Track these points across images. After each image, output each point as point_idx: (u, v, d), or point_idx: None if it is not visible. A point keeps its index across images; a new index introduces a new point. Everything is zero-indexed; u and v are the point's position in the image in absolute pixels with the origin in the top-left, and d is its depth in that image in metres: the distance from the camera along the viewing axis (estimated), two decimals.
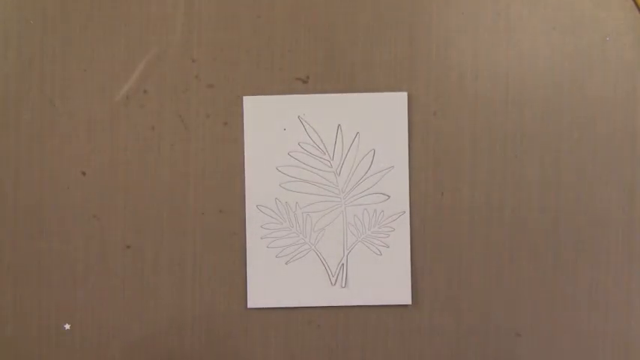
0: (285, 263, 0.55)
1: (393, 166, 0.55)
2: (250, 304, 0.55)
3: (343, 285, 0.55)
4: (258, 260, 0.55)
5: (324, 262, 0.55)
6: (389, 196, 0.55)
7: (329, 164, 0.55)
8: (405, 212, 0.55)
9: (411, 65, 0.55)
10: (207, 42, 0.56)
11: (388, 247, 0.55)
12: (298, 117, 0.55)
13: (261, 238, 0.55)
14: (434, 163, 0.55)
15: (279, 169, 0.55)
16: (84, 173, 0.56)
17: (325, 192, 0.55)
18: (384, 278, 0.55)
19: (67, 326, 0.56)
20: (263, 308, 0.55)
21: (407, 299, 0.55)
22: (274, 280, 0.55)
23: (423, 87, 0.55)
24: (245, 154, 0.55)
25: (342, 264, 0.55)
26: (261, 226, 0.55)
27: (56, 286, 0.56)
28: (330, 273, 0.55)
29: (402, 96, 0.55)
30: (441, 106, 0.55)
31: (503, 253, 0.55)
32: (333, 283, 0.55)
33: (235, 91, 0.56)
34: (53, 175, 0.56)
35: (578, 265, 0.55)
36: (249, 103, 0.56)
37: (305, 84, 0.56)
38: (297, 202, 0.55)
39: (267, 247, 0.55)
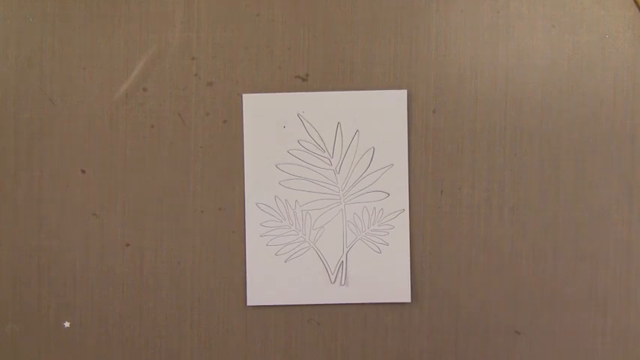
0: (285, 261, 0.55)
1: (392, 164, 0.55)
2: (250, 302, 0.55)
3: (343, 283, 0.55)
4: (258, 258, 0.55)
5: (323, 260, 0.55)
6: (388, 194, 0.55)
7: (328, 162, 0.55)
8: (404, 210, 0.55)
9: (411, 63, 0.55)
10: (206, 40, 0.56)
11: (388, 244, 0.55)
12: (298, 115, 0.55)
13: (261, 236, 0.55)
14: (433, 161, 0.55)
15: (279, 166, 0.55)
16: (83, 171, 0.56)
17: (325, 190, 0.55)
18: (383, 276, 0.55)
19: (67, 324, 0.56)
20: (262, 306, 0.55)
21: (406, 297, 0.55)
22: (274, 278, 0.55)
23: (423, 85, 0.55)
24: (244, 151, 0.55)
25: (342, 262, 0.55)
26: (261, 224, 0.55)
27: (56, 284, 0.56)
28: (329, 271, 0.55)
29: (402, 94, 0.55)
30: (441, 104, 0.55)
31: (502, 251, 0.55)
32: (333, 281, 0.55)
33: (235, 89, 0.56)
34: (53, 174, 0.56)
35: (577, 263, 0.55)
36: (249, 100, 0.56)
37: (304, 82, 0.56)
38: (296, 200, 0.55)
39: (267, 245, 0.55)
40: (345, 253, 0.55)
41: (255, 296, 0.55)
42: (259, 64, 0.56)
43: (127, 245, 0.56)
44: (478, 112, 0.55)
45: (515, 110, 0.55)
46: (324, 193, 0.55)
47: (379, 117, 0.55)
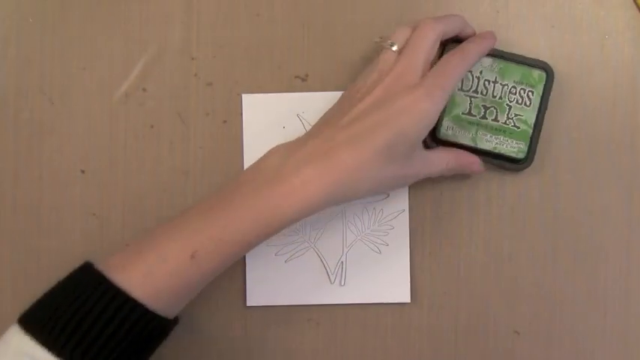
0: (285, 261, 0.55)
1: None
2: (249, 302, 0.55)
3: (342, 283, 0.55)
4: (257, 258, 0.55)
5: (323, 261, 0.55)
6: (388, 195, 0.55)
7: None
8: (404, 210, 0.55)
9: None
10: (206, 40, 0.56)
11: (387, 245, 0.55)
12: (297, 115, 0.55)
13: None
14: None
15: None
16: (83, 171, 0.56)
17: None
18: (383, 276, 0.55)
19: None
20: (262, 306, 0.55)
21: (406, 297, 0.55)
22: (273, 278, 0.55)
23: None
24: (244, 152, 0.55)
25: (342, 262, 0.55)
26: None
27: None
28: (329, 271, 0.55)
29: None
30: None
31: (502, 251, 0.55)
32: (332, 281, 0.55)
33: (234, 89, 0.56)
34: (52, 174, 0.56)
35: (577, 263, 0.55)
36: (248, 101, 0.56)
37: (304, 82, 0.56)
38: None
39: (267, 245, 0.55)
40: (344, 254, 0.55)
41: (255, 296, 0.55)
42: (259, 64, 0.56)
43: (127, 245, 0.56)
44: None
45: None
46: None
47: None
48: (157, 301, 0.45)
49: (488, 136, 0.53)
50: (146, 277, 0.45)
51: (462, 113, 0.53)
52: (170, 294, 0.46)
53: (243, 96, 0.56)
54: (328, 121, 0.49)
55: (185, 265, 0.45)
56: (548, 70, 0.53)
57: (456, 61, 0.49)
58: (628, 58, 0.55)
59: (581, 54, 0.55)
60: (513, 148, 0.53)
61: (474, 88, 0.53)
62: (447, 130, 0.53)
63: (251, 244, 0.47)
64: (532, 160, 0.53)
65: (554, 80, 0.53)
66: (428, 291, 0.55)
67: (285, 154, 0.48)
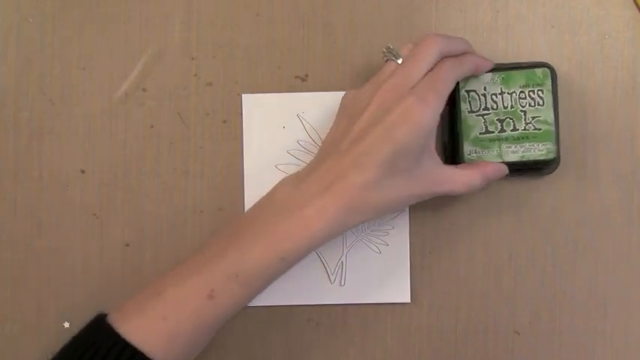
0: None
1: None
2: (249, 302, 0.55)
3: (342, 283, 0.55)
4: None
5: (323, 261, 0.55)
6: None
7: None
8: (404, 210, 0.55)
9: None
10: (206, 40, 0.56)
11: (387, 245, 0.55)
12: (297, 115, 0.55)
13: None
14: None
15: (278, 167, 0.55)
16: (83, 171, 0.56)
17: None
18: (383, 276, 0.55)
19: (67, 324, 0.56)
20: (262, 306, 0.55)
21: (406, 298, 0.55)
22: None
23: None
24: (244, 151, 0.55)
25: (341, 262, 0.55)
26: None
27: (55, 285, 0.56)
28: (329, 271, 0.55)
29: None
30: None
31: (502, 251, 0.55)
32: (332, 281, 0.55)
33: (234, 89, 0.56)
34: (52, 174, 0.56)
35: (577, 263, 0.55)
36: (249, 101, 0.56)
37: (304, 82, 0.56)
38: None
39: None
40: (344, 254, 0.55)
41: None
42: (259, 64, 0.56)
43: (127, 245, 0.56)
44: None
45: None
46: None
47: None
48: (170, 349, 0.45)
49: (513, 147, 0.52)
50: (164, 322, 0.45)
51: (480, 133, 0.52)
52: (186, 338, 0.46)
53: (243, 96, 0.56)
54: (331, 145, 0.49)
55: (203, 305, 0.46)
56: (549, 67, 0.52)
57: (449, 66, 0.49)
58: (628, 58, 0.55)
59: (581, 54, 0.55)
60: (541, 150, 0.52)
61: (483, 106, 0.52)
62: (470, 155, 0.52)
63: (268, 279, 0.47)
64: (560, 157, 0.53)
65: None
66: (428, 291, 0.55)
67: (293, 185, 0.48)
